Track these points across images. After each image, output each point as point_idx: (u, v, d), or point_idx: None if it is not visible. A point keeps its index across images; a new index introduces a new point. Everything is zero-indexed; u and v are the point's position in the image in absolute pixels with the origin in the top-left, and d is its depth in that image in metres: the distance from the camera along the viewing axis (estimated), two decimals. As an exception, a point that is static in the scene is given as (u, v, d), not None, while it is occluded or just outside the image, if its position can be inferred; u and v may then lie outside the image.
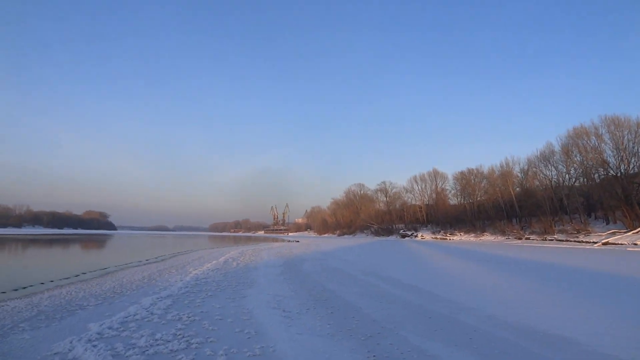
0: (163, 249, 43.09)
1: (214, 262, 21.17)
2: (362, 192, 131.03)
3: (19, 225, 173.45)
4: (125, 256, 29.34)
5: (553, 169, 61.09)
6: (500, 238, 63.75)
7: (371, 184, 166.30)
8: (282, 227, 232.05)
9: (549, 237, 54.61)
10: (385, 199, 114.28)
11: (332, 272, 16.71)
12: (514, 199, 66.10)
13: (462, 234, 75.22)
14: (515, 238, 60.56)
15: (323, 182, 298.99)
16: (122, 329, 6.72)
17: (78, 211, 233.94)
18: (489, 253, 30.89)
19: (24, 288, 12.87)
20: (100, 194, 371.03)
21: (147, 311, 8.10)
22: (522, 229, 63.34)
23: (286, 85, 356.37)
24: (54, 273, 16.64)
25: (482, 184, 76.95)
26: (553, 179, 61.09)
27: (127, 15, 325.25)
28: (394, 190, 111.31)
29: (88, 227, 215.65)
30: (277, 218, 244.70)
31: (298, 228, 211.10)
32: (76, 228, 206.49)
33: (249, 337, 6.13)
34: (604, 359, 5.03)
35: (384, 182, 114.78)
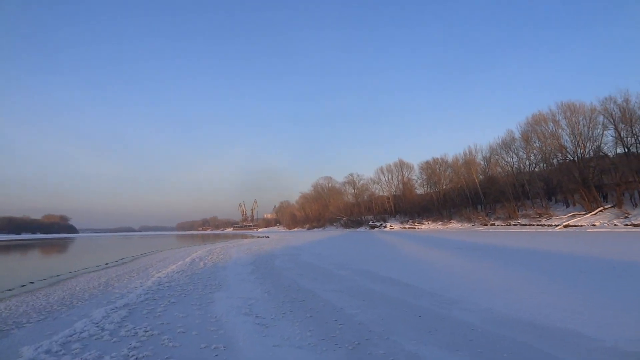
0: (126, 250, 40.78)
1: (180, 262, 19.83)
2: (330, 185, 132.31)
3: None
4: (83, 260, 27.26)
5: (514, 156, 63.23)
6: (466, 225, 65.80)
7: (339, 177, 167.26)
8: (251, 223, 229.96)
9: (513, 222, 56.62)
10: (353, 191, 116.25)
11: (306, 267, 15.90)
12: (478, 186, 68.09)
13: (429, 222, 77.36)
14: (481, 224, 62.50)
15: (291, 177, 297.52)
16: (62, 352, 5.59)
17: (37, 215, 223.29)
18: (459, 240, 31.08)
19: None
20: (60, 196, 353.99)
21: (97, 326, 6.96)
22: (487, 215, 65.44)
23: (250, 80, 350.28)
24: (-4, 284, 14.89)
25: (447, 173, 79.04)
26: (514, 166, 63.26)
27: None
28: (361, 182, 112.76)
29: (48, 232, 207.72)
30: (246, 214, 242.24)
31: (267, 223, 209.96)
32: (35, 233, 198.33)
33: (217, 355, 5.19)
34: (618, 354, 4.47)
35: (351, 175, 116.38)
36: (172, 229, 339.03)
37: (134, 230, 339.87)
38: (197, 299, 9.30)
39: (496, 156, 66.88)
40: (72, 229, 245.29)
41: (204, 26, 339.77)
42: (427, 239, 36.51)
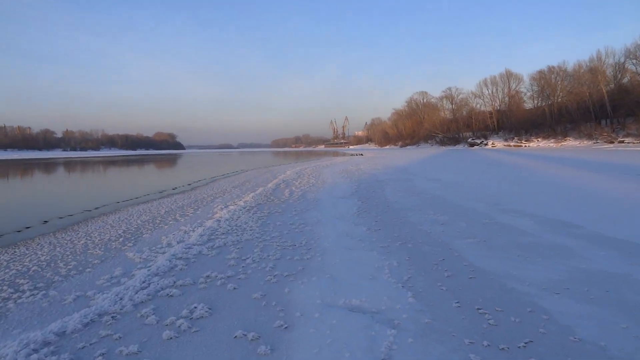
0: (214, 168, 38.98)
1: (260, 189, 15.41)
2: (425, 100, 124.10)
3: (97, 148, 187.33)
4: (158, 181, 24.98)
5: None
6: (586, 142, 57.10)
7: (435, 92, 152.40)
8: (342, 141, 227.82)
9: None
10: (451, 106, 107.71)
11: (442, 206, 10.15)
12: (606, 97, 56.92)
13: (539, 139, 69.28)
14: (605, 142, 52.91)
15: (383, 93, 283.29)
16: None
17: (149, 133, 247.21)
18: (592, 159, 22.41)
19: None
20: (169, 116, 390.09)
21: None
22: (613, 131, 54.88)
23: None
24: None
25: (566, 84, 68.09)
26: None
27: None
28: (460, 96, 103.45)
29: (159, 148, 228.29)
30: (337, 132, 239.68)
31: (358, 141, 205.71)
32: (148, 149, 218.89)
33: None
34: None
35: (449, 89, 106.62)
36: (267, 146, 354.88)
37: (232, 147, 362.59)
38: (263, 284, 4.32)
39: (633, 60, 55.88)
40: (179, 146, 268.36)
41: None
42: (553, 158, 27.99)
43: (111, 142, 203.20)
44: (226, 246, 6.62)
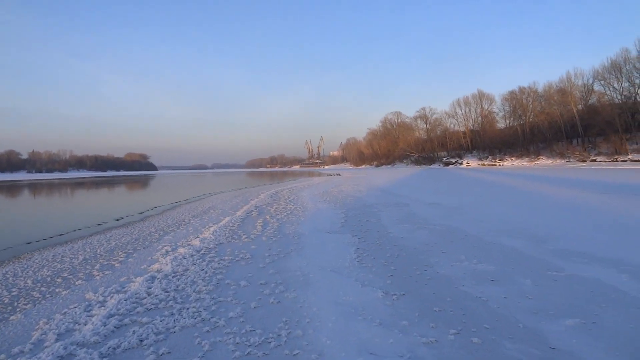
0: (180, 191, 35.47)
1: (225, 220, 12.39)
2: (399, 120, 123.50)
3: (64, 169, 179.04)
4: (104, 210, 21.53)
5: (625, 81, 53.08)
6: (559, 161, 57.37)
7: (409, 112, 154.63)
8: (317, 161, 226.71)
9: (621, 158, 47.21)
10: (425, 126, 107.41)
11: (468, 246, 7.49)
12: (576, 117, 57.57)
13: (513, 158, 69.45)
14: (578, 160, 53.18)
15: (358, 113, 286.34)
16: None
17: (119, 154, 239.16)
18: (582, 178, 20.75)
19: None
20: (141, 136, 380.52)
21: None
22: (585, 150, 55.62)
23: (316, 19, 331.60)
24: None
25: (537, 104, 68.78)
26: (624, 93, 53.30)
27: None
28: (434, 116, 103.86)
29: (130, 169, 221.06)
30: (312, 152, 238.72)
31: (334, 161, 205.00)
32: (118, 170, 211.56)
33: None
34: None
35: (423, 109, 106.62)
36: (241, 167, 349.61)
37: (207, 168, 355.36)
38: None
39: (601, 82, 56.44)
40: (152, 167, 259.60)
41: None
42: (541, 178, 26.38)
43: (80, 163, 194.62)
44: (139, 348, 3.64)
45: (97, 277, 6.24)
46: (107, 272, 6.51)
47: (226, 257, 7.12)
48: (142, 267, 6.76)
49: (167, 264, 6.65)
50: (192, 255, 7.32)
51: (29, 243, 10.06)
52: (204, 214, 14.84)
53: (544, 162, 60.01)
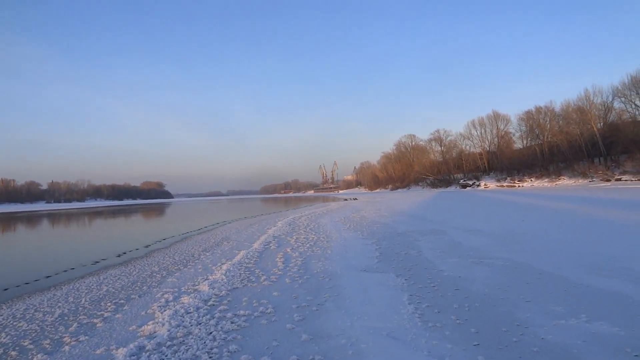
0: (193, 220, 34.11)
1: (241, 254, 10.72)
2: (413, 143, 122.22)
3: (82, 199, 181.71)
4: (109, 243, 20.14)
5: None
6: (581, 181, 54.60)
7: (423, 135, 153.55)
8: (331, 185, 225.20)
9: None
10: (440, 148, 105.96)
11: (558, 293, 5.68)
12: (597, 136, 55.47)
13: (532, 179, 67.09)
14: (601, 180, 50.82)
15: (371, 137, 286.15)
16: None
17: (136, 182, 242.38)
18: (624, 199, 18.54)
19: None
20: (157, 164, 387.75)
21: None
22: (608, 169, 53.46)
23: (331, 36, 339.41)
24: None
25: (554, 122, 66.88)
26: None
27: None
28: (449, 138, 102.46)
29: (146, 197, 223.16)
30: (326, 176, 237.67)
31: (348, 185, 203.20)
32: (135, 198, 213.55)
33: None
34: None
35: (437, 131, 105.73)
36: (256, 193, 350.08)
37: (222, 195, 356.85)
38: None
39: (622, 99, 54.89)
40: (167, 194, 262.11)
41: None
42: (575, 199, 24.23)
43: (97, 192, 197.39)
44: None
45: (66, 348, 4.57)
46: (82, 338, 4.83)
47: (241, 312, 5.42)
48: (131, 328, 5.09)
49: (163, 324, 5.00)
50: (197, 309, 5.64)
51: (6, 289, 8.47)
52: (216, 246, 13.21)
53: (565, 182, 57.84)
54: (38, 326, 5.50)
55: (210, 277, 8.01)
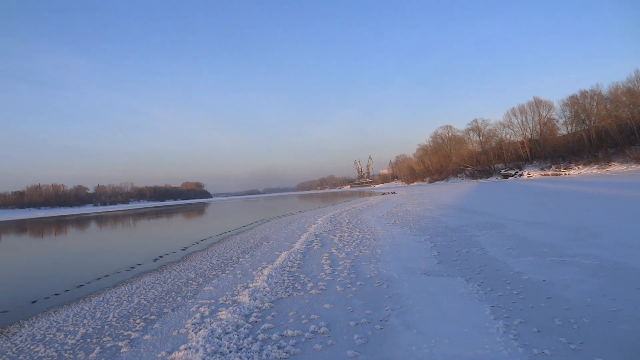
0: (231, 218, 33.94)
1: (282, 256, 9.85)
2: (450, 134, 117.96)
3: (126, 201, 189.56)
4: (145, 246, 19.94)
5: None
6: (634, 167, 51.33)
7: (460, 125, 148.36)
8: (367, 180, 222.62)
9: None
10: (478, 138, 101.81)
11: None
12: None
13: (579, 166, 62.90)
14: None
15: (406, 130, 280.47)
16: None
17: (176, 184, 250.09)
18: None
19: None
20: (196, 166, 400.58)
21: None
22: None
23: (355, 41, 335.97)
24: None
25: (602, 107, 62.85)
26: None
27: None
28: (487, 127, 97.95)
29: (186, 197, 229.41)
30: (361, 171, 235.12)
31: (384, 179, 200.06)
32: (176, 199, 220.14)
33: None
34: None
35: (475, 121, 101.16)
36: (292, 190, 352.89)
37: (259, 193, 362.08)
38: None
39: None
40: (206, 194, 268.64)
41: None
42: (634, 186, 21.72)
43: (140, 194, 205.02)
44: None
45: None
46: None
47: (289, 332, 4.49)
48: (160, 355, 4.28)
49: (197, 349, 4.15)
50: (237, 327, 4.77)
51: (34, 302, 7.99)
52: (255, 247, 12.45)
53: (616, 168, 54.01)
54: (56, 351, 4.79)
55: (250, 284, 7.17)
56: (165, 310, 6.06)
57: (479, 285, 5.81)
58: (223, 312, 5.44)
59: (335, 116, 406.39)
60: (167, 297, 6.94)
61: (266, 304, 5.65)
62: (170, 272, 9.71)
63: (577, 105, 68.11)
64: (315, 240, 12.24)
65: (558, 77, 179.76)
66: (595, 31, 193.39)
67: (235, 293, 6.64)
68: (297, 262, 8.98)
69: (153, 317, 5.77)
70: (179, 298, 6.76)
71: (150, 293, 7.38)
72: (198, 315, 5.52)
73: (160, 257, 12.69)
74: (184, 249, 14.31)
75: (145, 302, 6.74)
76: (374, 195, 61.80)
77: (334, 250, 10.03)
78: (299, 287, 6.58)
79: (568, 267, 6.37)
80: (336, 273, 7.44)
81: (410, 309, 4.97)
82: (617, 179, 34.04)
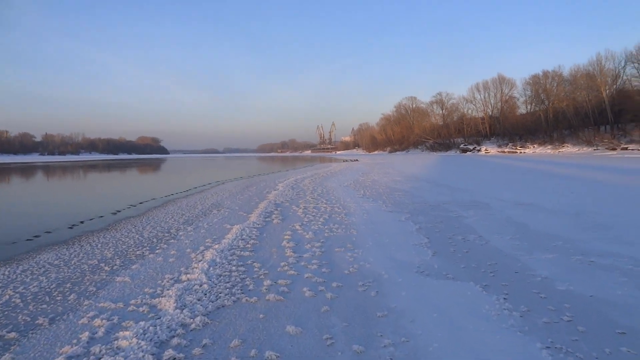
0: (182, 178, 31.16)
1: (234, 230, 7.84)
2: (414, 105, 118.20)
3: (76, 152, 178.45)
4: (87, 202, 17.26)
5: None
6: (586, 149, 52.81)
7: (424, 98, 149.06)
8: (329, 146, 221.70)
9: None
10: (441, 111, 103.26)
11: None
12: (606, 102, 53.37)
13: (535, 145, 65.27)
14: (607, 149, 49.05)
15: (370, 99, 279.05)
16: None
17: (132, 137, 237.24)
18: None
19: None
20: (153, 120, 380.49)
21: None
22: (614, 137, 51.09)
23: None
24: None
25: (562, 88, 63.70)
26: None
27: None
28: (451, 101, 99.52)
29: (142, 152, 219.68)
30: (324, 137, 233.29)
31: (345, 146, 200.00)
32: (130, 153, 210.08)
33: None
34: None
35: (439, 94, 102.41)
36: (253, 151, 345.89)
37: (218, 152, 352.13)
38: None
39: (635, 64, 52.15)
40: (163, 150, 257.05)
41: None
42: (590, 167, 21.73)
43: (92, 146, 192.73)
44: None
45: None
46: None
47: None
48: None
49: None
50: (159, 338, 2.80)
51: None
52: (203, 216, 10.28)
53: (569, 149, 56.15)
54: None
55: (183, 275, 5.15)
56: (39, 320, 3.88)
57: (504, 299, 4.14)
58: (126, 333, 3.42)
59: (302, 79, 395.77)
60: (54, 294, 4.70)
61: (197, 319, 3.69)
62: (81, 246, 7.39)
63: (539, 85, 69.05)
64: (276, 212, 10.29)
65: (525, 56, 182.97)
66: (567, 11, 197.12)
67: (159, 291, 4.61)
68: (252, 241, 7.02)
69: (13, 334, 3.60)
70: (72, 296, 4.58)
71: (33, 285, 5.09)
72: (85, 335, 3.45)
73: (82, 222, 10.19)
74: (115, 213, 11.80)
75: (19, 302, 4.51)
76: (336, 162, 60.37)
77: (297, 227, 8.14)
78: (251, 287, 4.65)
79: (607, 273, 4.86)
80: (302, 264, 5.57)
81: (422, 346, 3.18)
82: (575, 160, 34.55)
